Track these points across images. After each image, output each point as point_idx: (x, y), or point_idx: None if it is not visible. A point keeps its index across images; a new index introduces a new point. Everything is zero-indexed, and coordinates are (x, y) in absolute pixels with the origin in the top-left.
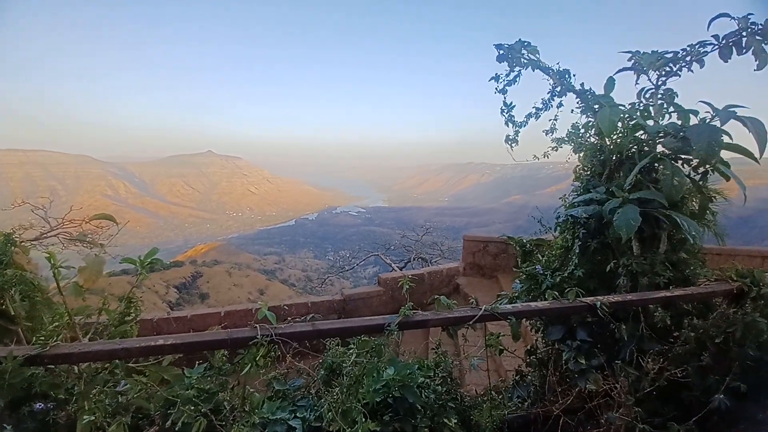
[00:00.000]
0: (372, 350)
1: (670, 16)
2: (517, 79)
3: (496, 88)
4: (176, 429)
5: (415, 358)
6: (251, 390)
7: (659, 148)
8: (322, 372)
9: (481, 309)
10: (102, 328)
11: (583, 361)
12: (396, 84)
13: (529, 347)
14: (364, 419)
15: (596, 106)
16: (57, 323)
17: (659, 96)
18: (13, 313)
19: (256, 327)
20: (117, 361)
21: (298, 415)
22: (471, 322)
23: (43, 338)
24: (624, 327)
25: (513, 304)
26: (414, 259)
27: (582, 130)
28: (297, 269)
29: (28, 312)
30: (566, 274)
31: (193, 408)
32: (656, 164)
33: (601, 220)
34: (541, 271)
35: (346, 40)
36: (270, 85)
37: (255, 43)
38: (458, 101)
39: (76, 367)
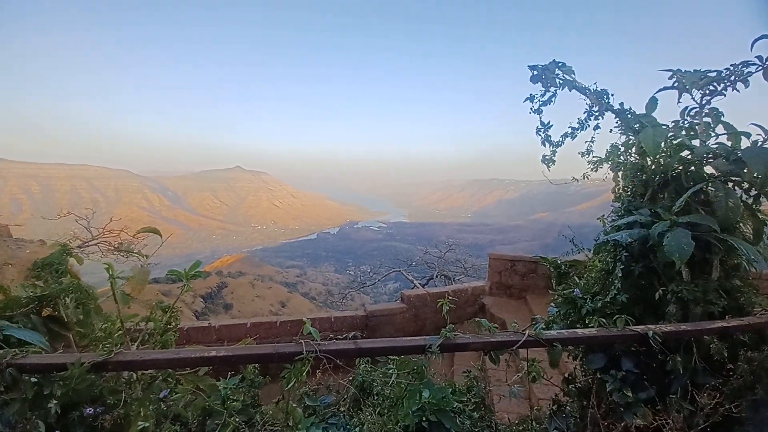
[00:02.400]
0: (414, 371)
1: (684, 34)
2: (553, 100)
3: (531, 108)
4: None
5: (445, 382)
6: (293, 405)
7: (707, 170)
8: (352, 390)
9: (524, 334)
10: (148, 336)
11: (630, 394)
12: (420, 101)
13: (566, 375)
14: None
15: (636, 126)
16: (111, 330)
17: (704, 115)
18: (66, 320)
19: (301, 343)
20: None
21: None
22: (514, 347)
23: (109, 345)
24: (677, 359)
25: (558, 330)
26: (436, 276)
27: (622, 149)
28: (318, 283)
29: (81, 318)
30: (608, 299)
31: (231, 419)
32: (705, 186)
33: (645, 243)
34: (580, 295)
35: (368, 59)
36: (295, 101)
37: (281, 62)
38: (482, 117)
39: (125, 374)
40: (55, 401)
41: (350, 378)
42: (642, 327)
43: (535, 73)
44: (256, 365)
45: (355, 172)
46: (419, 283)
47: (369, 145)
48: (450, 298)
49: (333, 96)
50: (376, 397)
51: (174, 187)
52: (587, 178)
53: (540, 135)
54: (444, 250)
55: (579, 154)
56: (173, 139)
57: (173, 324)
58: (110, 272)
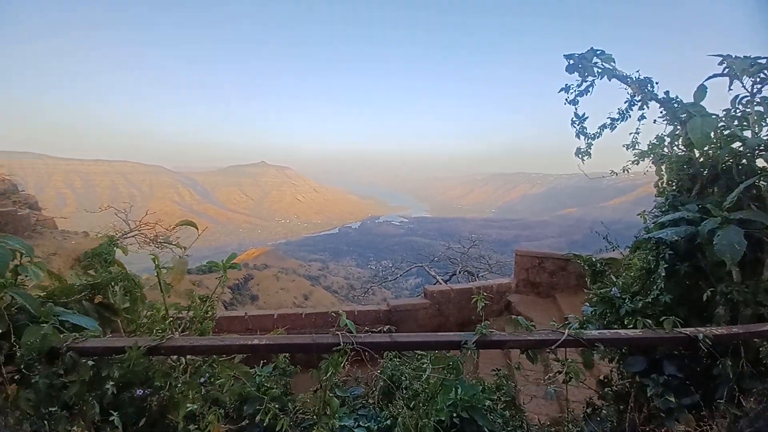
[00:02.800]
0: (449, 367)
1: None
2: (590, 90)
3: (566, 99)
4: (255, 423)
5: (473, 379)
6: (330, 395)
7: (759, 163)
8: (381, 383)
9: (563, 333)
10: (189, 324)
11: (673, 399)
12: (444, 94)
13: (602, 378)
14: None
15: (683, 116)
16: (155, 317)
17: (756, 104)
18: (115, 306)
19: (338, 334)
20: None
21: (361, 424)
22: (554, 347)
23: (160, 331)
24: (726, 363)
25: (599, 331)
26: (459, 272)
27: (667, 141)
28: (339, 277)
29: (128, 306)
30: (649, 300)
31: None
32: (757, 180)
33: (692, 241)
34: (618, 295)
35: (390, 53)
36: (318, 96)
37: (303, 58)
38: (507, 110)
39: (169, 359)
40: (112, 383)
41: (378, 371)
42: (691, 330)
43: (572, 62)
44: (287, 355)
45: (376, 166)
46: (441, 279)
47: (391, 139)
48: (482, 293)
49: (355, 91)
50: (405, 391)
51: (203, 182)
52: (627, 172)
53: (575, 127)
54: (467, 246)
55: (624, 146)
56: (203, 136)
57: (210, 313)
58: (156, 262)
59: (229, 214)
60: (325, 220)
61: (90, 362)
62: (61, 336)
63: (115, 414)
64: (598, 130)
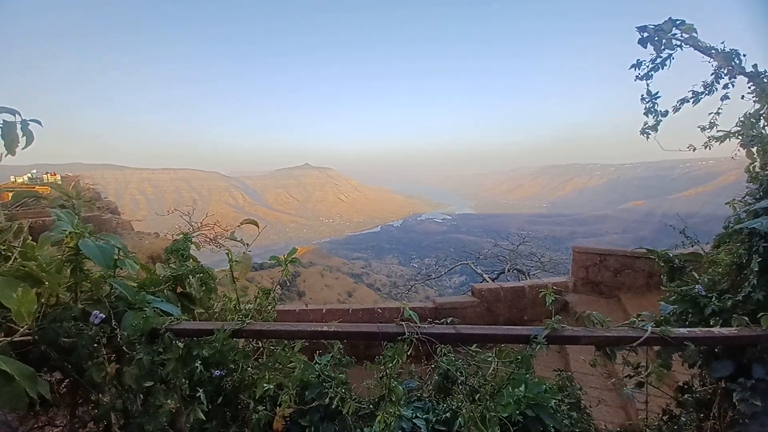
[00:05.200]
0: (518, 361)
1: None
2: (668, 63)
3: (637, 75)
4: (316, 407)
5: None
6: (395, 383)
7: None
8: (436, 377)
9: (647, 330)
10: (255, 314)
11: (759, 403)
12: (489, 91)
13: (681, 384)
14: None
15: None
16: (227, 307)
17: None
18: (193, 296)
19: (402, 324)
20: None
21: (418, 415)
22: (635, 344)
23: (242, 316)
24: None
25: (688, 329)
26: (508, 271)
27: (763, 119)
28: (382, 275)
29: (202, 296)
30: (740, 298)
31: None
32: None
33: None
34: (703, 293)
35: (433, 49)
36: (359, 97)
37: (344, 60)
38: (554, 99)
39: (240, 343)
40: (200, 362)
41: (432, 366)
42: None
43: (645, 34)
44: (341, 347)
45: (417, 164)
46: (489, 277)
47: (432, 137)
48: (519, 292)
49: (396, 90)
50: (461, 386)
51: (254, 186)
52: (709, 148)
53: (645, 104)
54: (516, 243)
55: (699, 128)
56: (253, 141)
57: (271, 306)
58: (230, 256)
59: (277, 214)
60: (367, 219)
61: (180, 344)
62: (160, 318)
63: (200, 390)
64: (678, 104)
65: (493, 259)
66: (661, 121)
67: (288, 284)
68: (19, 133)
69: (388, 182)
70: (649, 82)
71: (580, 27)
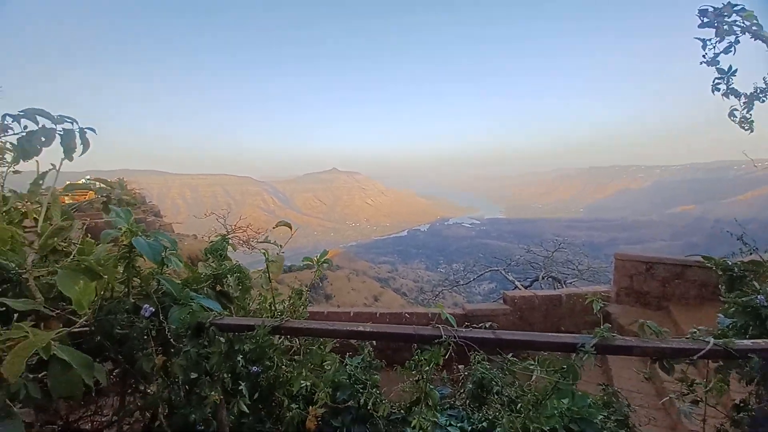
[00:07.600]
0: (564, 370)
1: None
2: (732, 50)
3: (704, 57)
4: (348, 408)
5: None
6: (431, 387)
7: None
8: (470, 385)
9: (708, 342)
10: (289, 313)
11: None
12: (523, 92)
13: (737, 402)
14: None
15: None
16: (263, 306)
17: None
18: (230, 294)
19: (438, 327)
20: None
21: (452, 423)
22: (696, 357)
23: (269, 316)
24: None
25: (752, 341)
26: (543, 278)
27: None
28: (409, 279)
29: (239, 294)
30: None
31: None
32: None
33: None
34: (765, 304)
35: (461, 50)
36: (385, 101)
37: (368, 66)
38: (589, 98)
39: (275, 340)
40: (241, 356)
41: (466, 373)
42: None
43: (706, 20)
44: (371, 350)
45: (445, 167)
46: (521, 285)
47: (461, 139)
48: (556, 301)
49: (423, 94)
50: (497, 396)
51: (284, 190)
52: None
53: (720, 88)
54: (551, 249)
55: None
56: (283, 146)
57: (303, 306)
58: (266, 256)
59: (305, 218)
60: (393, 223)
61: (222, 339)
62: (205, 313)
63: (242, 384)
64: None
65: (525, 266)
66: (752, 105)
67: (316, 287)
68: (78, 140)
69: (414, 186)
70: (717, 66)
71: (617, 26)
